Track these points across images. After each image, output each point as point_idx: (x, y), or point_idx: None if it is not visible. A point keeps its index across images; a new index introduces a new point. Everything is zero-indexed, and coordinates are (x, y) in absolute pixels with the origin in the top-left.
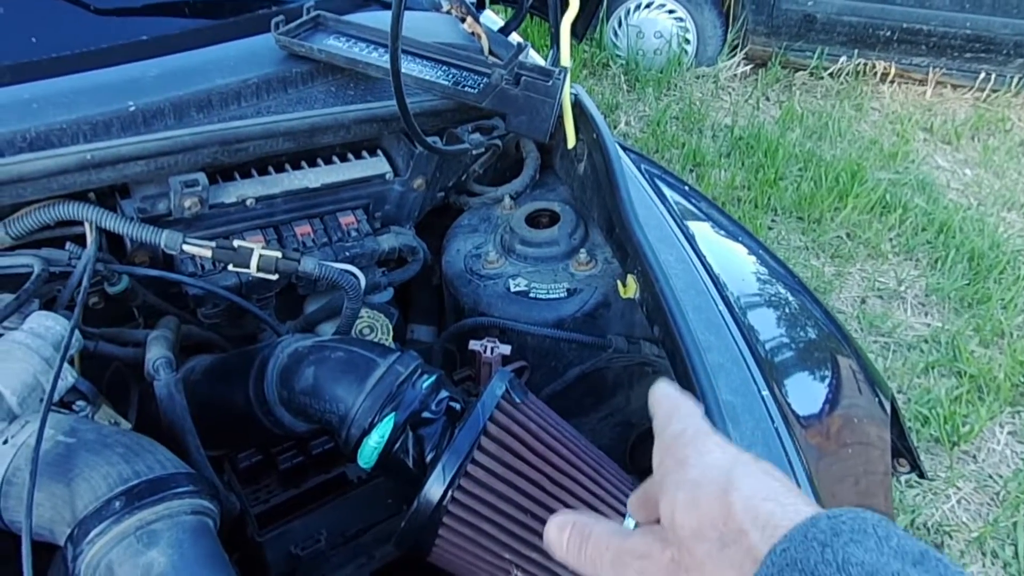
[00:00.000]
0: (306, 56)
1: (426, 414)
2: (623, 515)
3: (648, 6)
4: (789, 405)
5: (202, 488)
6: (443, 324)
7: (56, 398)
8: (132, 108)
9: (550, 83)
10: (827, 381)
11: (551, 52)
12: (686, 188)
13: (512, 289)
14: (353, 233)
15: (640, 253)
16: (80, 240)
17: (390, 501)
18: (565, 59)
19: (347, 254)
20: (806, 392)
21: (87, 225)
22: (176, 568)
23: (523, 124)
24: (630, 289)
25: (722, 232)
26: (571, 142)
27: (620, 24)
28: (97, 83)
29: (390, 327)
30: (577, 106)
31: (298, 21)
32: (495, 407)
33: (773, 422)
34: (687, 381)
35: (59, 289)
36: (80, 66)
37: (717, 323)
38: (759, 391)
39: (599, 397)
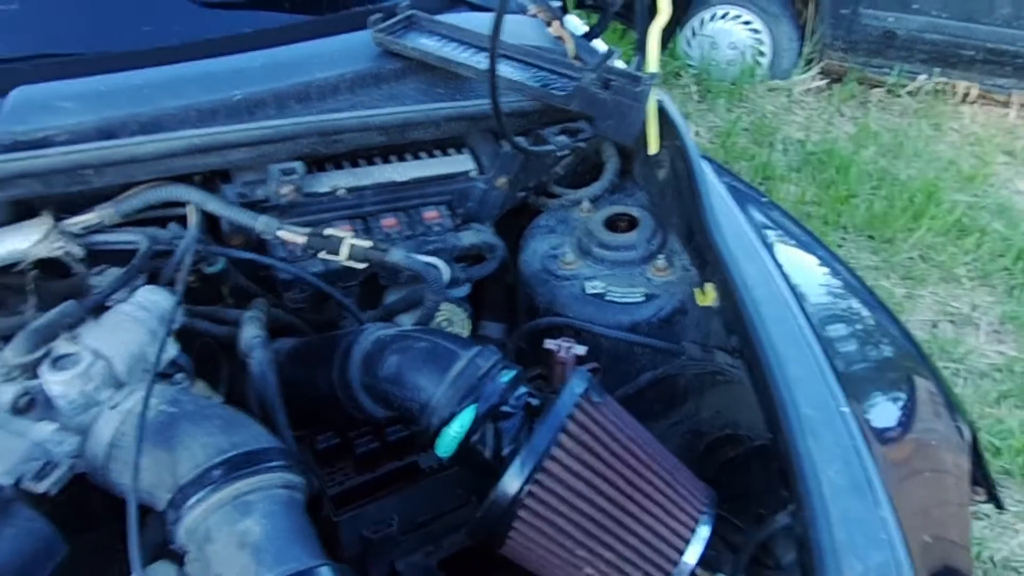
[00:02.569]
0: (400, 53)
1: (505, 408)
2: (696, 521)
3: (723, 17)
4: (869, 423)
5: (293, 464)
6: (513, 322)
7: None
8: (237, 97)
9: (639, 88)
10: (902, 402)
11: (635, 58)
12: (763, 199)
13: (588, 291)
14: (436, 228)
15: (721, 262)
16: (182, 221)
17: (460, 492)
18: (653, 65)
19: (429, 248)
20: (880, 412)
21: (191, 207)
22: (269, 537)
23: (610, 128)
24: (708, 297)
25: (799, 244)
26: (654, 148)
27: (693, 34)
28: (204, 72)
29: (467, 321)
30: (661, 113)
31: (393, 19)
32: (574, 405)
33: (853, 439)
34: (765, 393)
35: (160, 266)
36: (188, 56)
37: (796, 336)
38: (838, 406)
39: (669, 404)
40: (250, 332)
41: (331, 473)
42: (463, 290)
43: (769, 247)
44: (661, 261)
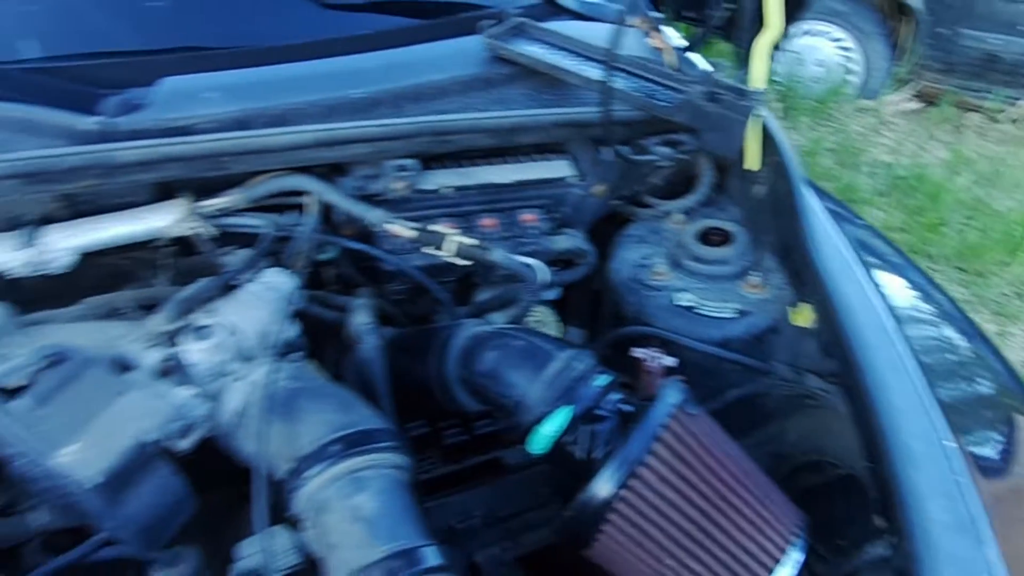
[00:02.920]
0: (510, 59)
1: (599, 411)
2: (788, 542)
3: (812, 33)
4: (971, 458)
5: (401, 446)
6: (594, 329)
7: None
8: (357, 95)
9: (746, 103)
10: (1004, 439)
11: (738, 73)
12: (859, 221)
13: (678, 303)
14: (531, 231)
15: (820, 283)
16: (299, 209)
17: (542, 491)
18: (759, 81)
19: (524, 250)
20: (981, 448)
21: (311, 196)
22: (382, 513)
23: (714, 141)
24: (803, 317)
25: (895, 269)
26: (753, 164)
27: (779, 48)
28: (327, 70)
29: (557, 324)
30: (763, 129)
31: (504, 26)
32: (670, 415)
33: (956, 474)
34: (865, 421)
35: (280, 250)
36: (313, 54)
37: (897, 363)
38: (941, 440)
39: (754, 424)
40: (362, 318)
41: (419, 461)
42: (553, 293)
43: (868, 269)
44: (755, 278)
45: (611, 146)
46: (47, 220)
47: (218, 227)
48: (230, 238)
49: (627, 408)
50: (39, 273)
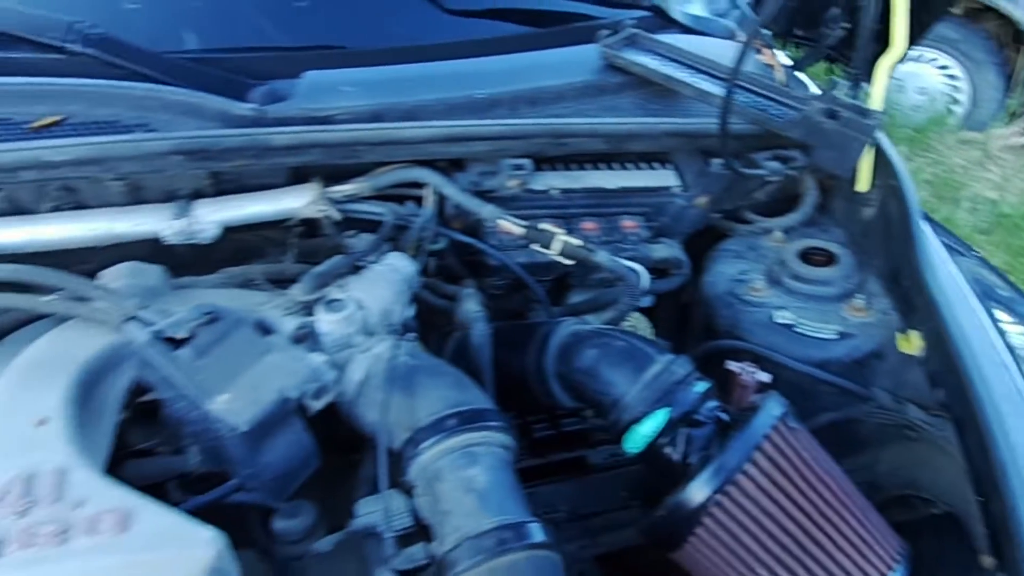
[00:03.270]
0: (623, 68)
1: (697, 417)
2: (889, 568)
3: (917, 59)
4: None
5: (509, 428)
6: (681, 341)
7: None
8: (479, 96)
9: (868, 122)
10: None
11: (850, 93)
12: (975, 253)
13: (776, 320)
14: (632, 237)
15: (932, 310)
16: (418, 200)
17: (625, 494)
18: (878, 102)
19: (623, 255)
20: None
21: (429, 188)
22: (492, 487)
23: (829, 159)
24: (911, 345)
25: (1010, 304)
26: (864, 185)
27: None
28: (453, 71)
29: (652, 330)
30: (877, 151)
31: (619, 36)
32: (771, 426)
33: None
34: (983, 457)
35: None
36: (439, 55)
37: (1016, 398)
38: None
39: (846, 450)
40: (472, 306)
41: None
42: (647, 300)
43: (983, 301)
44: (859, 301)
45: (723, 158)
46: (198, 195)
47: (343, 212)
48: (352, 223)
49: (725, 416)
50: (188, 242)
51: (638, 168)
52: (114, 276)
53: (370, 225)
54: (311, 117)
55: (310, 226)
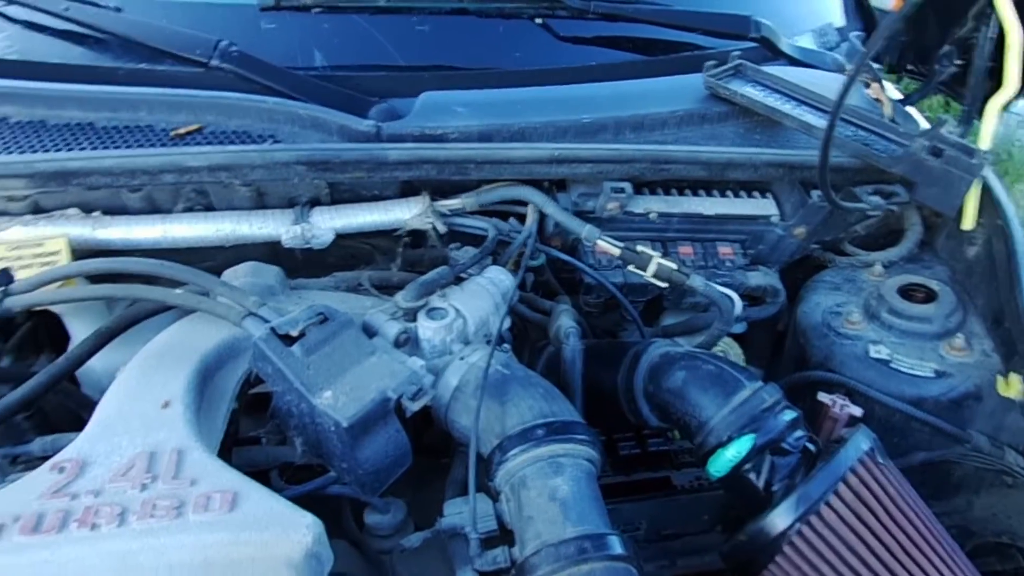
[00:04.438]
0: (727, 98)
1: (783, 445)
2: None
3: None
4: None
5: (595, 442)
6: (772, 369)
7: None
8: (585, 120)
9: (974, 161)
10: None
11: (959, 129)
12: None
13: (871, 354)
14: (727, 263)
15: None
16: (519, 217)
17: (707, 517)
18: (987, 142)
19: (718, 281)
20: None
21: (532, 207)
22: (576, 498)
23: (933, 196)
24: (1013, 388)
25: None
26: (969, 224)
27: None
28: (561, 96)
29: (742, 356)
30: (984, 189)
31: (724, 66)
32: (858, 460)
33: None
34: None
35: (498, 252)
36: (549, 80)
37: None
38: None
39: (938, 492)
40: (567, 322)
41: None
42: (740, 327)
43: None
44: (959, 340)
45: (823, 190)
46: (315, 203)
47: (448, 225)
48: (456, 236)
49: (812, 447)
50: (304, 247)
51: (737, 196)
52: (236, 274)
53: (473, 239)
54: (425, 135)
55: (416, 237)
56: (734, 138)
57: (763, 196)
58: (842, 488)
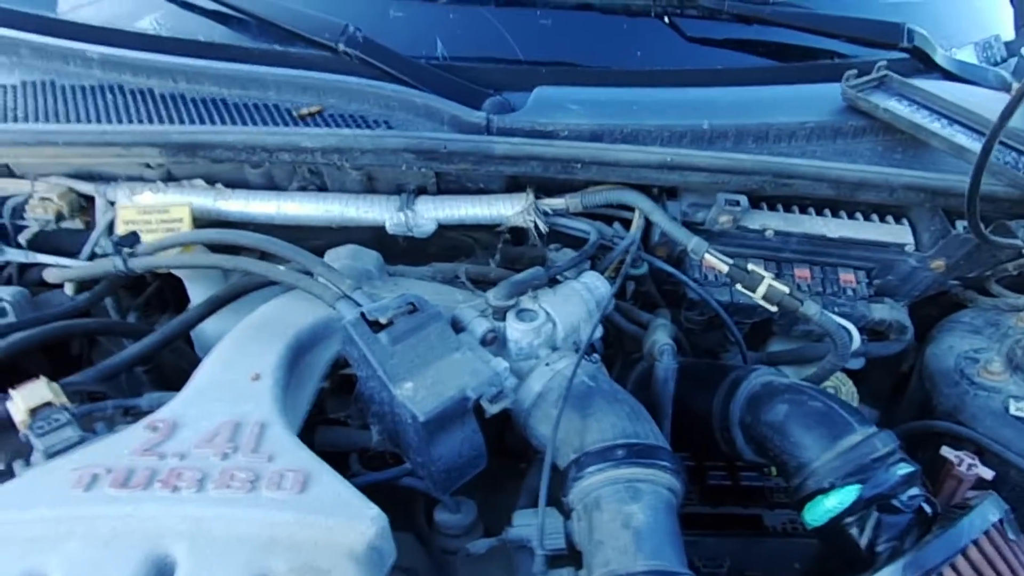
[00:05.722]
0: (866, 112)
1: (894, 502)
2: None
3: None
4: None
5: (680, 471)
6: (891, 414)
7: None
8: (704, 126)
9: None
10: None
11: None
12: None
13: (1012, 411)
14: (849, 292)
15: None
16: (623, 222)
17: (797, 566)
18: None
19: (836, 310)
20: None
21: (638, 213)
22: (651, 529)
23: None
24: None
25: None
26: None
27: None
28: (680, 99)
29: (856, 395)
30: None
31: (866, 77)
32: (983, 532)
33: None
34: None
35: (598, 256)
36: (668, 82)
37: None
38: None
39: None
40: (662, 338)
41: None
42: (858, 363)
43: None
44: None
45: (968, 221)
46: (421, 191)
47: (550, 224)
48: (556, 236)
49: (928, 508)
50: (406, 234)
51: (867, 219)
52: (337, 256)
53: (573, 241)
54: (535, 130)
55: (517, 234)
56: (870, 156)
57: (897, 222)
58: (960, 562)
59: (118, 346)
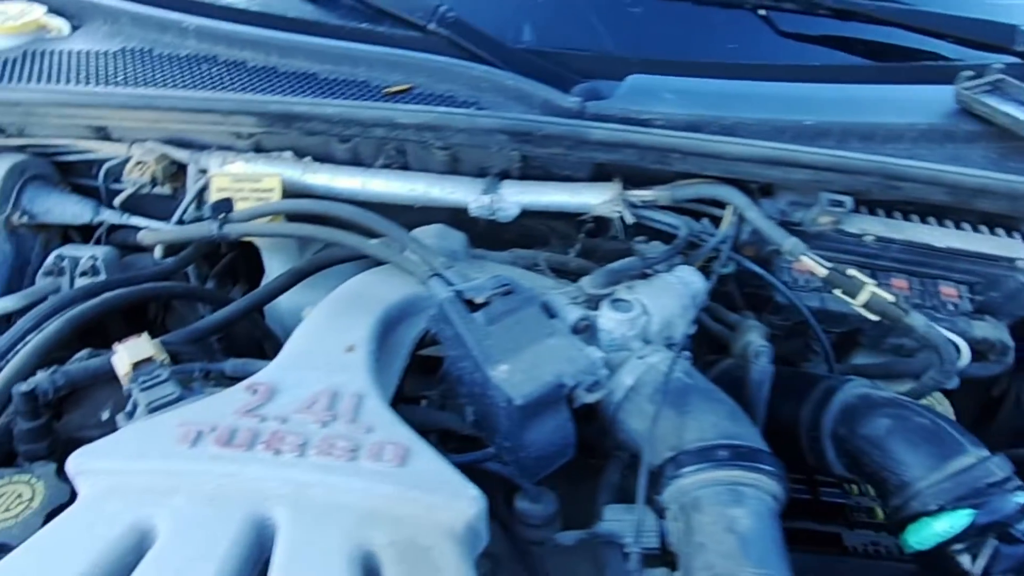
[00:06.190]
0: (983, 116)
1: (1012, 531)
2: None
3: None
4: None
5: (783, 477)
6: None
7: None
8: (807, 122)
9: None
10: None
11: None
12: None
13: None
14: (949, 306)
15: None
16: (712, 219)
17: None
18: None
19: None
20: None
21: (731, 209)
22: (757, 535)
23: None
24: None
25: None
26: None
27: None
28: (781, 93)
29: (952, 414)
30: None
31: (980, 80)
32: None
33: None
34: None
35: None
36: (766, 76)
37: None
38: None
39: None
40: (757, 339)
41: None
42: (953, 382)
43: None
44: None
45: None
46: (505, 175)
47: (636, 216)
48: (641, 229)
49: None
50: (488, 217)
51: (976, 230)
52: (425, 234)
53: (659, 235)
54: (629, 118)
55: (599, 224)
56: (983, 163)
57: (1010, 235)
58: None
59: (192, 312)
